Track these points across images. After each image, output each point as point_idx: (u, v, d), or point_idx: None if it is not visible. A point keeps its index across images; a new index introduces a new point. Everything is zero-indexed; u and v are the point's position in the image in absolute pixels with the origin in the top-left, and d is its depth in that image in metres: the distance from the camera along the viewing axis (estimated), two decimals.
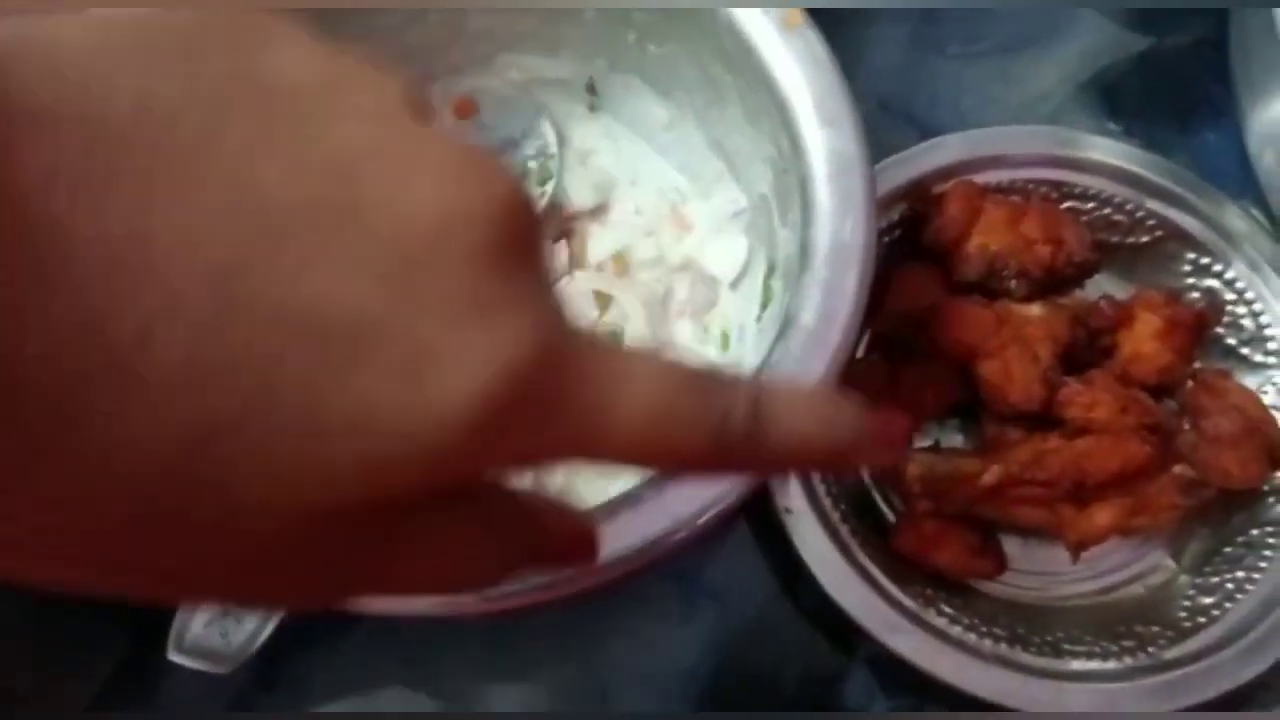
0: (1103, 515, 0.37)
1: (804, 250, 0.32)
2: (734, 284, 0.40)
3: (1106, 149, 0.42)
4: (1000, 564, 0.39)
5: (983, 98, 0.47)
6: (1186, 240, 0.42)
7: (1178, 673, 0.36)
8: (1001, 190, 0.42)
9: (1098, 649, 0.37)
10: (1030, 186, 0.42)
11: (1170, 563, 0.40)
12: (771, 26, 0.34)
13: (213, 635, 0.29)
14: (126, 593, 0.14)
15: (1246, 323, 0.42)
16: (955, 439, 0.41)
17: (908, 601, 0.36)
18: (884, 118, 0.46)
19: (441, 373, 0.12)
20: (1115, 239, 0.43)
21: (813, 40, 0.34)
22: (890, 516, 0.40)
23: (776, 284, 0.37)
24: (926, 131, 0.43)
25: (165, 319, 0.11)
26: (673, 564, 0.39)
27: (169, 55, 0.12)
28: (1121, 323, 0.40)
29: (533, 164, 0.41)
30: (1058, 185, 0.42)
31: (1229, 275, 0.42)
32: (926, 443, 0.41)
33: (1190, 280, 0.42)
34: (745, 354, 0.39)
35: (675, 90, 0.40)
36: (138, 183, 0.11)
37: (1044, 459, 0.37)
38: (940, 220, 0.40)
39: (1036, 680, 0.35)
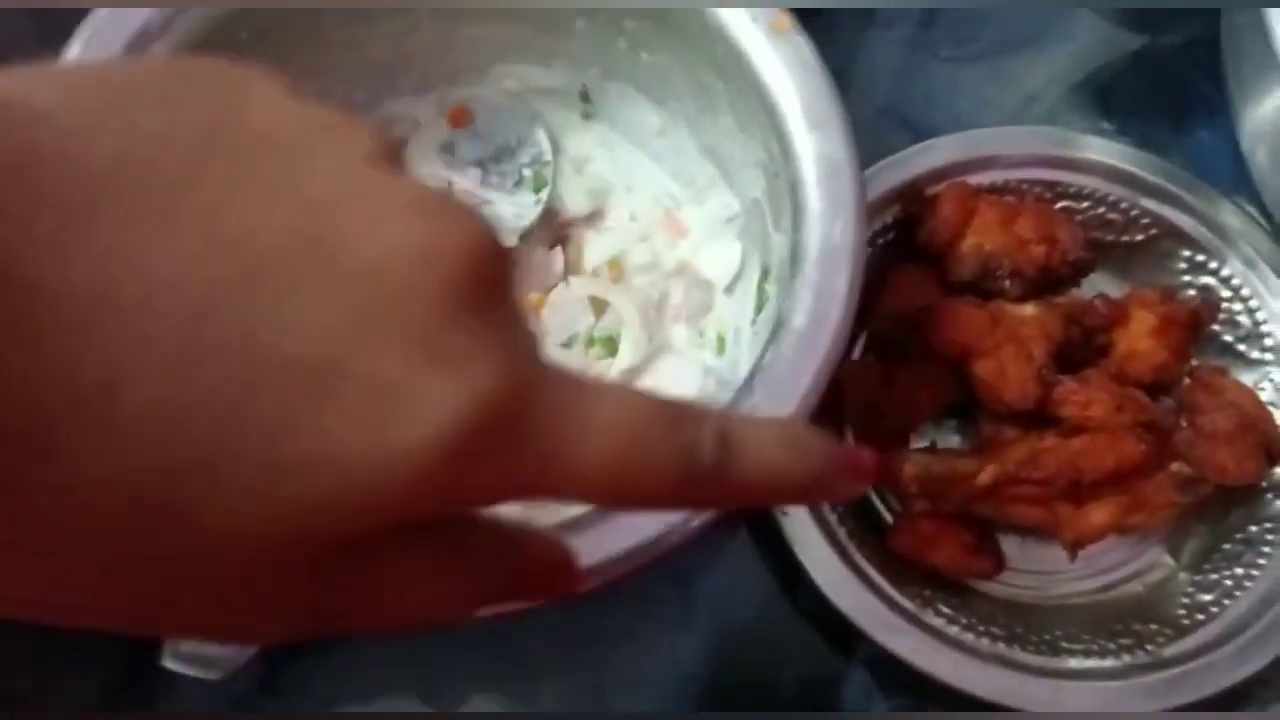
0: (1099, 513, 0.37)
1: (794, 253, 0.32)
2: (729, 288, 0.40)
3: (1100, 148, 0.42)
4: (998, 563, 0.39)
5: (977, 99, 0.47)
6: (1181, 238, 0.42)
7: (1176, 670, 0.36)
8: (996, 191, 0.42)
9: (1096, 647, 0.37)
10: (1024, 187, 0.42)
11: (1168, 560, 0.40)
12: (760, 33, 0.34)
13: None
14: (97, 628, 0.14)
15: (1243, 319, 0.42)
16: (951, 439, 0.41)
17: (905, 602, 0.36)
18: (878, 121, 0.46)
19: (408, 412, 0.13)
20: (1110, 238, 0.43)
21: (801, 45, 0.34)
22: (887, 517, 0.40)
23: (771, 287, 0.37)
24: (921, 134, 0.43)
25: (132, 363, 0.12)
26: (672, 566, 0.39)
27: (149, 104, 0.13)
28: (1117, 321, 0.40)
29: (528, 171, 0.41)
30: (1052, 185, 0.42)
31: (1224, 272, 0.42)
32: (923, 443, 0.41)
33: (1186, 278, 0.42)
34: (741, 357, 0.39)
35: (668, 97, 0.40)
36: (114, 230, 0.12)
37: (1040, 458, 0.37)
38: (934, 221, 0.40)
39: (1034, 679, 0.36)
